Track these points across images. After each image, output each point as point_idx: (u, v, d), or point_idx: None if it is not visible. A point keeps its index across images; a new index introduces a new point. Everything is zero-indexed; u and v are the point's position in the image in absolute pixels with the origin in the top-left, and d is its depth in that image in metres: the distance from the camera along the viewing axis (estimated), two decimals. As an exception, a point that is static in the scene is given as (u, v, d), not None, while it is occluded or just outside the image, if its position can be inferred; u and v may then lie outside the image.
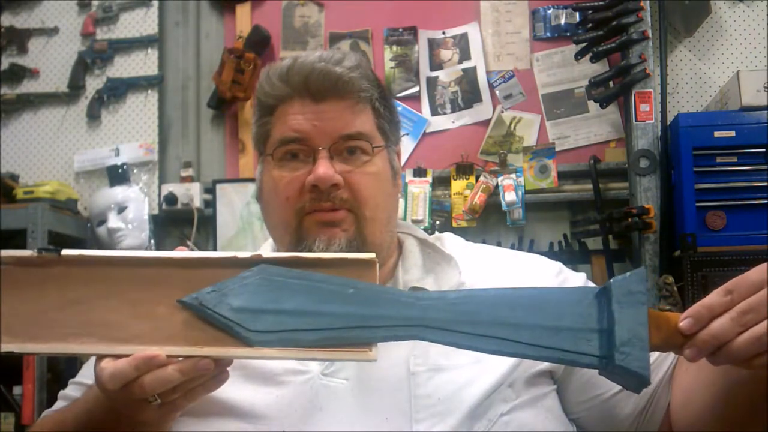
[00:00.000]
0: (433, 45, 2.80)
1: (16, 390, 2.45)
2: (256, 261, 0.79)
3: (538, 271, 1.09)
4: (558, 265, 1.11)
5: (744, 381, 0.88)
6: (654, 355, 0.97)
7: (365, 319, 0.77)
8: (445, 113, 2.76)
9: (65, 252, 0.79)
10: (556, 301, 0.77)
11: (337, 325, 0.76)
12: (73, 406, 0.99)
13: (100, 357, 0.77)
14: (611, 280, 0.77)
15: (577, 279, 1.10)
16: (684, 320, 0.76)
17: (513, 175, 2.61)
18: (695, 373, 0.95)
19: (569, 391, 1.03)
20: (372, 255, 0.79)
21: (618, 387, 0.97)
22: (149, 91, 2.87)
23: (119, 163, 2.77)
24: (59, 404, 1.09)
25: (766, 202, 2.25)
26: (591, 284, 1.04)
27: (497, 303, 0.77)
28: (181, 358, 0.75)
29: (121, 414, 0.81)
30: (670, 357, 1.02)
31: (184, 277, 0.78)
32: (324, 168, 1.00)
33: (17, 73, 2.91)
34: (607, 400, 1.02)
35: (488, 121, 2.73)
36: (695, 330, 0.75)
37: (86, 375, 1.08)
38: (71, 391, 1.09)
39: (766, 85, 2.26)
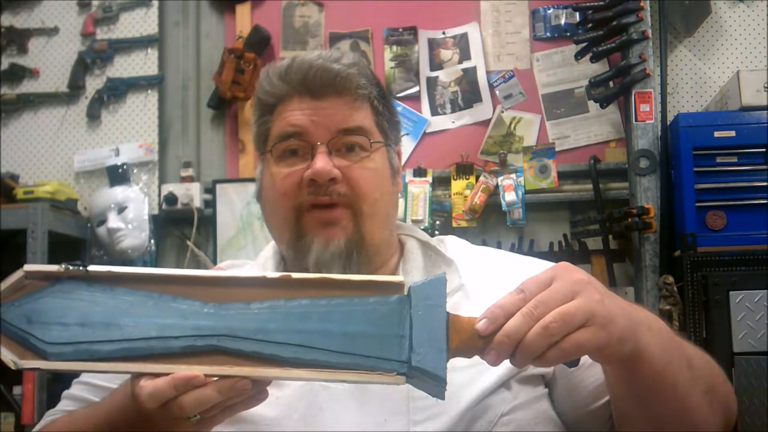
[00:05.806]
0: (433, 45, 2.80)
1: (16, 390, 2.45)
2: (285, 280, 0.78)
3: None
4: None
5: (609, 379, 0.90)
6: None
7: (163, 330, 0.76)
8: (445, 113, 2.75)
9: (92, 268, 0.78)
10: (363, 310, 0.77)
11: (135, 336, 0.76)
12: (90, 414, 0.97)
13: (137, 375, 0.76)
14: (410, 286, 0.78)
15: None
16: (480, 321, 0.76)
17: (513, 175, 2.60)
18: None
19: (555, 396, 1.02)
20: (400, 278, 0.79)
21: (602, 398, 0.97)
22: (149, 91, 2.87)
23: (119, 163, 2.77)
24: (64, 404, 1.08)
25: (766, 202, 2.25)
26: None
27: (299, 312, 0.77)
28: (216, 378, 0.75)
29: (157, 427, 0.80)
30: None
31: (212, 295, 0.78)
32: (322, 162, 1.00)
33: (17, 73, 2.91)
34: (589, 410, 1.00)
35: (488, 121, 2.73)
36: (491, 330, 0.75)
37: (92, 374, 1.07)
38: (77, 391, 1.08)
39: (766, 85, 2.26)
